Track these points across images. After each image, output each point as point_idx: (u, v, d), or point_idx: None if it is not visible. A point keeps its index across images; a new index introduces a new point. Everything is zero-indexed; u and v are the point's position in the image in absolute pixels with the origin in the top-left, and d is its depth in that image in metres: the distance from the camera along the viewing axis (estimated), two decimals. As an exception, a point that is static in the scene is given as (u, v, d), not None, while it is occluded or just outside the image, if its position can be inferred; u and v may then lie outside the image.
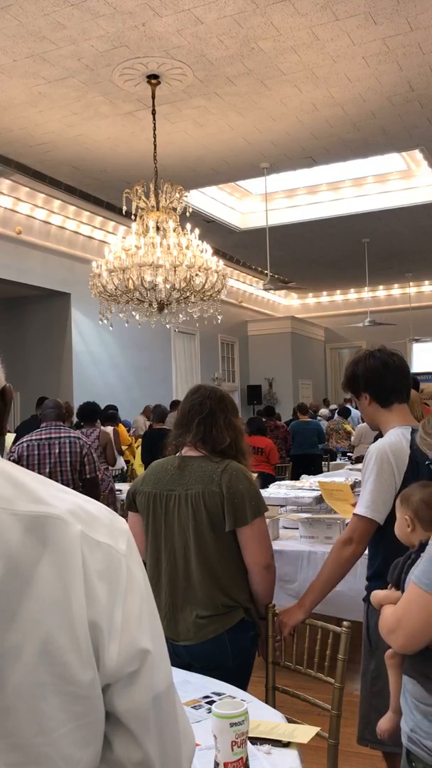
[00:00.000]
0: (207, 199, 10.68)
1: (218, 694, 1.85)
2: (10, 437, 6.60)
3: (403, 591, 1.72)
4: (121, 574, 0.83)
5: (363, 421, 9.76)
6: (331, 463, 10.23)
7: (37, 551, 0.77)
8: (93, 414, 6.64)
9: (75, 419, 7.15)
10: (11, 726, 0.74)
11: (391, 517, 2.05)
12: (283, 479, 7.48)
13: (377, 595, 1.84)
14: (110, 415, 8.59)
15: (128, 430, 10.20)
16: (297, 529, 4.11)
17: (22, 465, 4.37)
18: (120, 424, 9.05)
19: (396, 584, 1.78)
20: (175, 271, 5.84)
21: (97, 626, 0.79)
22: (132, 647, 0.81)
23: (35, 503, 0.79)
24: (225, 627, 2.24)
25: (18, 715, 0.74)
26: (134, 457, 8.96)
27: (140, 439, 8.90)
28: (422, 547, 1.68)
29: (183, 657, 2.26)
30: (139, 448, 8.49)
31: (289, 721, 1.78)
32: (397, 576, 1.77)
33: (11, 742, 0.74)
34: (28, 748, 0.75)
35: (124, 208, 6.72)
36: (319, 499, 4.19)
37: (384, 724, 1.85)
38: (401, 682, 1.74)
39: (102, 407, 8.05)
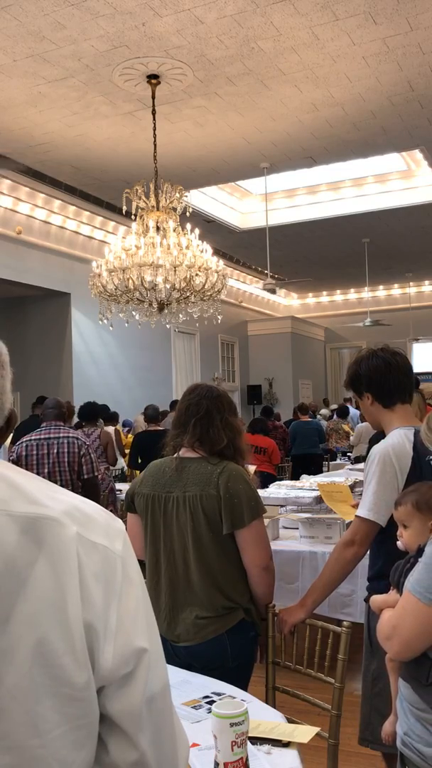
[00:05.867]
0: (207, 199, 10.67)
1: (218, 694, 1.85)
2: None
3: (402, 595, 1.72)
4: (116, 575, 0.82)
5: (362, 421, 9.83)
6: (331, 463, 10.23)
7: (32, 553, 0.76)
8: (94, 414, 6.64)
9: (76, 419, 7.15)
10: (5, 728, 0.74)
11: (394, 519, 2.04)
12: (284, 479, 7.48)
13: (376, 600, 1.84)
14: (112, 414, 8.61)
15: (129, 431, 10.21)
16: (297, 529, 4.11)
17: (21, 465, 4.39)
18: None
19: (397, 587, 1.78)
20: (175, 271, 5.84)
21: (92, 628, 0.78)
22: (127, 648, 0.81)
23: (31, 504, 0.79)
24: (225, 627, 2.24)
25: (12, 717, 0.74)
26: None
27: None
28: (420, 551, 1.68)
29: (183, 658, 2.25)
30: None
31: (289, 721, 1.78)
32: (397, 579, 1.77)
33: (5, 744, 0.74)
34: (22, 751, 0.74)
35: (124, 208, 6.72)
36: (319, 499, 4.19)
37: (387, 727, 1.85)
38: None
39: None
